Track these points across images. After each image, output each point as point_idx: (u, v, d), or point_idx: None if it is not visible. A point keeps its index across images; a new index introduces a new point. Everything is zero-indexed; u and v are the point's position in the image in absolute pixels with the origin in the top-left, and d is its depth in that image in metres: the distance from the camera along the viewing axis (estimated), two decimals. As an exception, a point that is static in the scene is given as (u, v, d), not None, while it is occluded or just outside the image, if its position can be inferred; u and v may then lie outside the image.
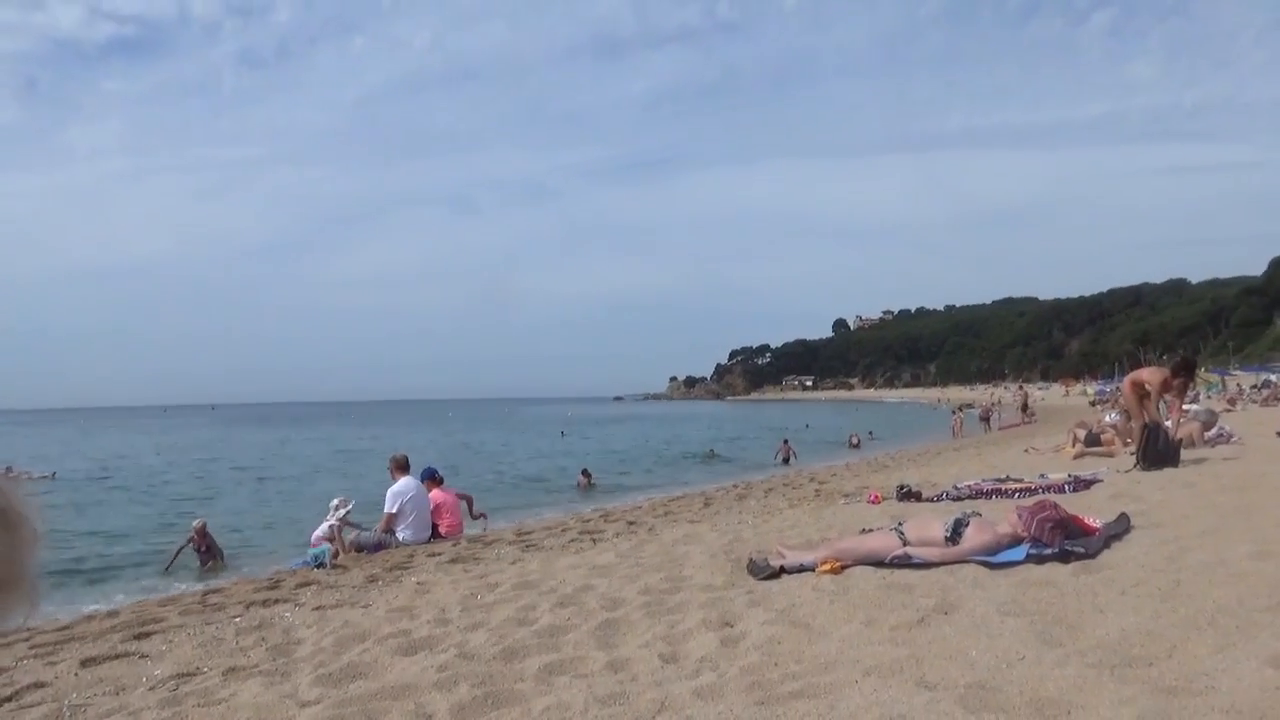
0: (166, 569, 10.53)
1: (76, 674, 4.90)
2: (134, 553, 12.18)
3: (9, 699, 4.46)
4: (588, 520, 11.36)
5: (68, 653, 5.36)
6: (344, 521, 9.46)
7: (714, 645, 4.40)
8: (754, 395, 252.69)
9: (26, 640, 5.62)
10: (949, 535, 6.05)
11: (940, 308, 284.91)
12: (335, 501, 9.78)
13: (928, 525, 6.30)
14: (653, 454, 31.63)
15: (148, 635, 5.75)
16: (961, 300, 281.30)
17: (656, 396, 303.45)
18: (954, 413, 42.55)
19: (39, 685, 4.68)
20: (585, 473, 21.23)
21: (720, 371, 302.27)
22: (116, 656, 5.22)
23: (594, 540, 9.10)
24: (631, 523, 10.51)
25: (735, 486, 16.29)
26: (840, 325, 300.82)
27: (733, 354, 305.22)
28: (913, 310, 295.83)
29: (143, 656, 5.19)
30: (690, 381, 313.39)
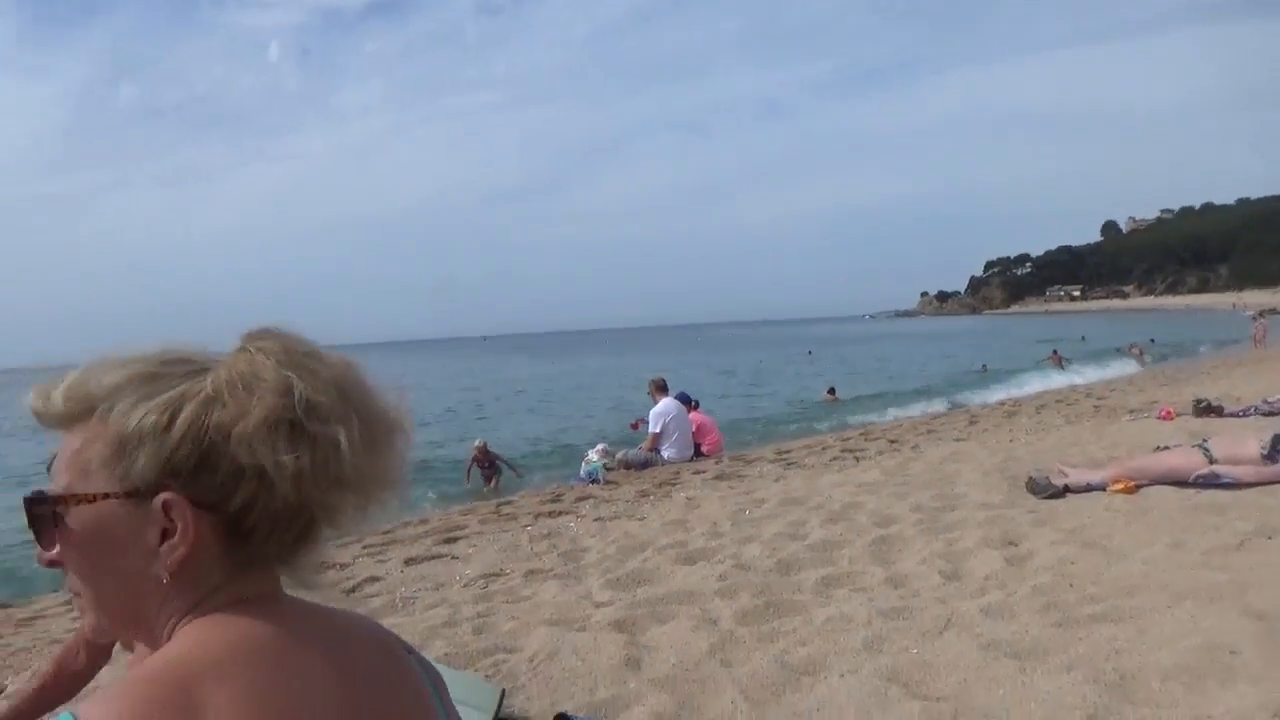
0: (467, 483, 11.62)
1: (402, 571, 5.58)
2: (434, 468, 13.53)
3: (353, 590, 5.17)
4: (848, 439, 11.25)
5: (393, 553, 6.11)
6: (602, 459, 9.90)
7: (999, 564, 4.26)
8: (1014, 308, 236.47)
9: (359, 542, 6.45)
10: (1266, 453, 5.44)
11: (1231, 201, 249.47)
12: (598, 448, 10.33)
13: (1240, 442, 5.69)
14: (907, 372, 30.57)
15: (455, 540, 6.42)
16: (1258, 191, 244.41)
17: (907, 313, 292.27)
18: (1255, 319, 37.39)
19: (374, 579, 5.38)
20: (831, 390, 21.01)
21: (975, 284, 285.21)
22: (432, 557, 5.88)
23: (856, 458, 9.01)
24: (893, 441, 10.29)
25: (1002, 404, 15.45)
26: (1110, 228, 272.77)
27: (988, 265, 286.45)
28: (1197, 207, 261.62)
29: (454, 558, 5.80)
30: (943, 296, 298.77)
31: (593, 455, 10.00)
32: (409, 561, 5.79)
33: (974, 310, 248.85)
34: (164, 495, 0.79)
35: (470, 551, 5.98)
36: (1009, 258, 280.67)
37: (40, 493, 0.84)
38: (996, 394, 18.67)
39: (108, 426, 0.81)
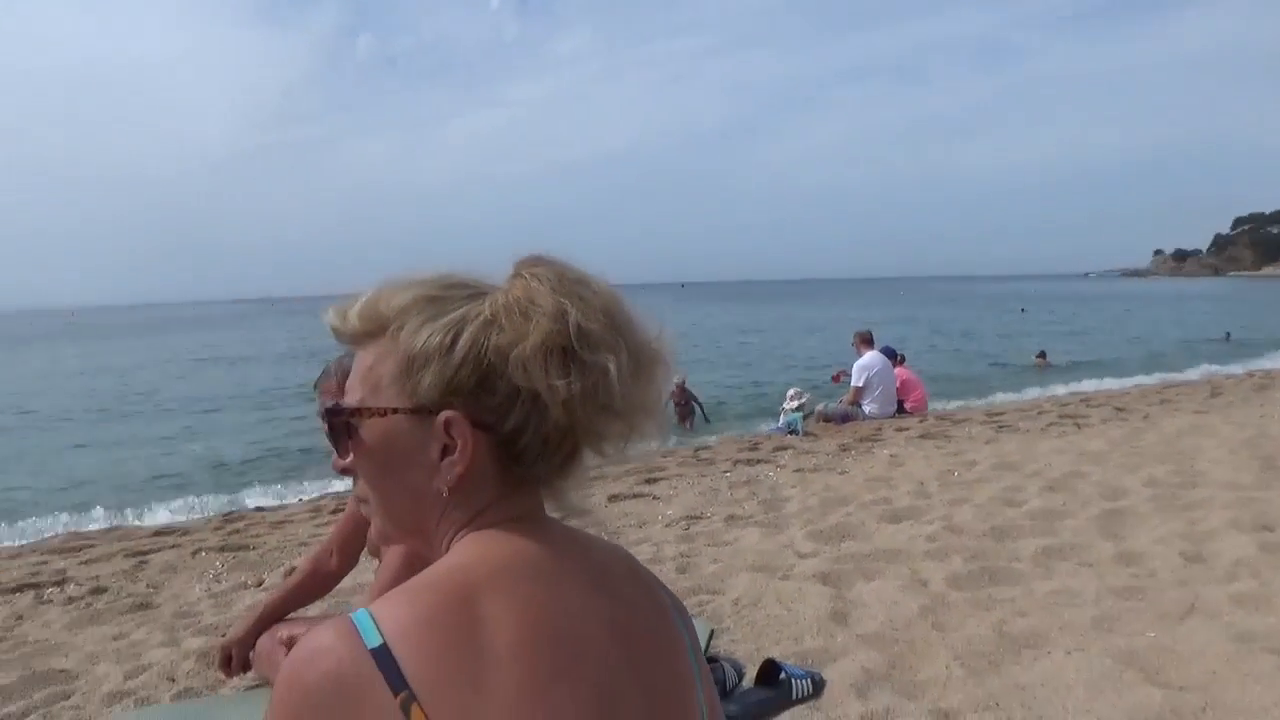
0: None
1: (606, 506, 5.76)
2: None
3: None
4: (1066, 404, 10.51)
5: (597, 489, 6.30)
6: (799, 410, 9.70)
7: (1252, 549, 3.85)
8: (1267, 270, 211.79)
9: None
10: None
11: None
12: (791, 392, 10.13)
13: None
14: (1135, 336, 28.13)
15: (655, 480, 6.54)
16: None
17: (1137, 273, 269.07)
18: None
19: (582, 513, 5.58)
20: (1042, 354, 19.59)
21: (1221, 243, 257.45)
22: (635, 496, 6.03)
23: (1077, 425, 8.41)
24: (1120, 409, 9.52)
25: (1250, 375, 13.94)
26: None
27: (1238, 221, 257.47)
28: None
29: (655, 498, 5.93)
30: (1180, 255, 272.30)
31: (788, 404, 9.85)
32: (613, 498, 5.96)
33: (1217, 271, 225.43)
34: (446, 413, 0.83)
35: (671, 493, 6.08)
36: (1264, 214, 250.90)
37: (338, 405, 0.89)
38: (1244, 366, 16.83)
39: (398, 345, 0.85)
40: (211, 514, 6.81)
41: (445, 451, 0.84)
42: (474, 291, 0.88)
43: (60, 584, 4.73)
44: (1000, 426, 8.60)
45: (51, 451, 12.19)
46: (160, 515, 7.20)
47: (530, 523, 0.88)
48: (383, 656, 0.73)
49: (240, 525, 6.07)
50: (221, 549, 5.27)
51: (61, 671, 3.36)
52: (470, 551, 0.84)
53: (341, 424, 0.88)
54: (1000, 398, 13.14)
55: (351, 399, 0.88)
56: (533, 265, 0.88)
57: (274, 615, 2.83)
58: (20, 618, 4.16)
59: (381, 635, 0.74)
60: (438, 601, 0.77)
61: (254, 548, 5.26)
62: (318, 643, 0.76)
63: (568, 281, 0.87)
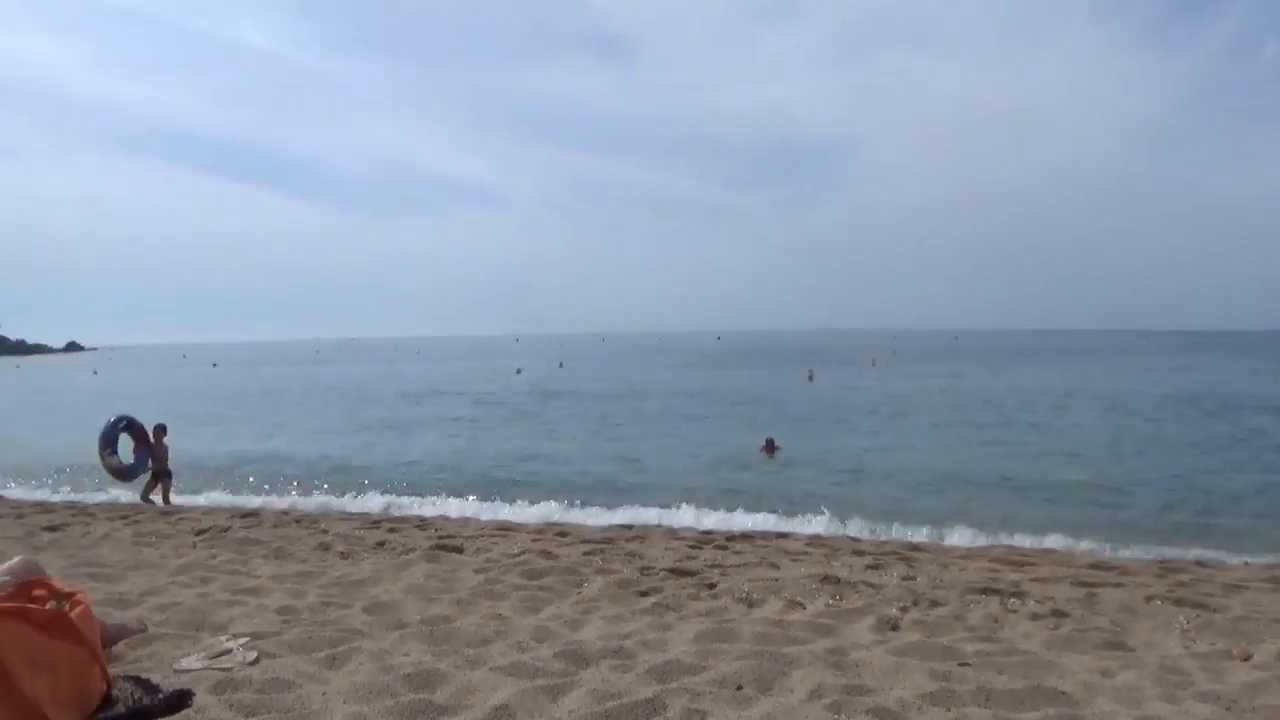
0: None
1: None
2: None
3: None
4: None
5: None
6: None
7: None
8: None
9: None
10: None
11: None
12: None
13: None
14: None
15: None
16: None
17: None
18: None
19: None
20: None
21: None
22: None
23: None
24: None
25: None
26: None
27: None
28: None
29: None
30: None
31: None
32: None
33: None
34: None
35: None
36: None
37: None
38: None
39: None
40: (1147, 556, 6.50)
41: None
42: None
43: (1018, 595, 4.97)
44: None
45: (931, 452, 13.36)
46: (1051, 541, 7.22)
47: None
48: None
49: (1185, 578, 5.62)
50: (1176, 601, 4.91)
51: (1062, 694, 3.42)
52: None
53: None
54: None
55: None
56: None
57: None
58: (996, 620, 4.47)
59: None
60: None
61: (1214, 609, 4.78)
62: None
63: None
